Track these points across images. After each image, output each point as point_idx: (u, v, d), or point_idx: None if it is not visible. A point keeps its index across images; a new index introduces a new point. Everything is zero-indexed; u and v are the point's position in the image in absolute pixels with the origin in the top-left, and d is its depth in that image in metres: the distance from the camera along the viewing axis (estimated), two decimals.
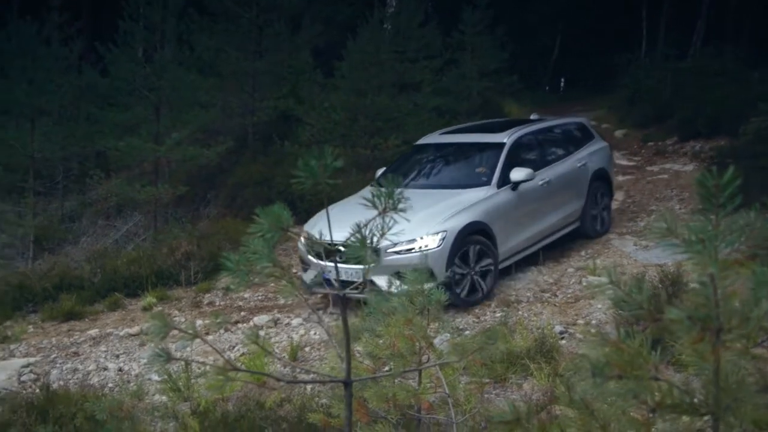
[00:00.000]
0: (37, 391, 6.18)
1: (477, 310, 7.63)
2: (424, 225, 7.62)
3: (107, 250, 11.55)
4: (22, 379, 7.15)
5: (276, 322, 8.06)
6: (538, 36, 24.00)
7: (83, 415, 5.15)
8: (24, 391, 6.57)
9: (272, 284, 6.15)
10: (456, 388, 3.81)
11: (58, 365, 7.50)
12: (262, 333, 7.75)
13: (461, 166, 9.35)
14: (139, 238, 12.33)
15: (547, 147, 9.65)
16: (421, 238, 7.53)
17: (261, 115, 14.23)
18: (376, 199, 1.75)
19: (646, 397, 1.27)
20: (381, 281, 7.40)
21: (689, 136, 15.82)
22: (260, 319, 8.15)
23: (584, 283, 8.12)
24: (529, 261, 8.91)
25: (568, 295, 7.89)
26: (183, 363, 5.86)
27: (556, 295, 7.95)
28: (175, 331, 1.95)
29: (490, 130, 9.71)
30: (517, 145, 9.02)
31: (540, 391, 5.34)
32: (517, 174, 8.43)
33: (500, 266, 8.19)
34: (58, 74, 12.82)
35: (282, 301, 8.73)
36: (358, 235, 1.73)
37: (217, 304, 9.07)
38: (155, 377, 6.73)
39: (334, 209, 8.57)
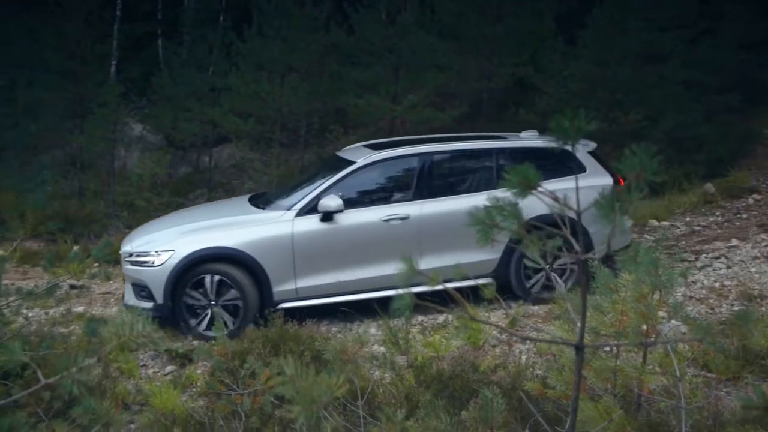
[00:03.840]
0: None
1: (712, 301, 7.07)
2: (164, 239, 7.30)
3: None
4: None
5: None
6: None
7: (310, 353, 5.52)
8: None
9: None
10: (683, 378, 3.58)
11: None
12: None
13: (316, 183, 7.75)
14: None
15: (444, 176, 7.70)
16: (157, 252, 7.15)
17: (497, 81, 14.12)
18: None
19: None
20: (128, 291, 7.39)
21: None
22: None
23: None
24: None
25: None
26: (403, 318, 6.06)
27: None
28: None
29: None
30: (374, 169, 7.53)
31: None
32: (327, 202, 7.12)
33: (285, 306, 7.07)
34: (308, 33, 13.61)
35: None
36: None
37: None
38: (372, 330, 7.03)
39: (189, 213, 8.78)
